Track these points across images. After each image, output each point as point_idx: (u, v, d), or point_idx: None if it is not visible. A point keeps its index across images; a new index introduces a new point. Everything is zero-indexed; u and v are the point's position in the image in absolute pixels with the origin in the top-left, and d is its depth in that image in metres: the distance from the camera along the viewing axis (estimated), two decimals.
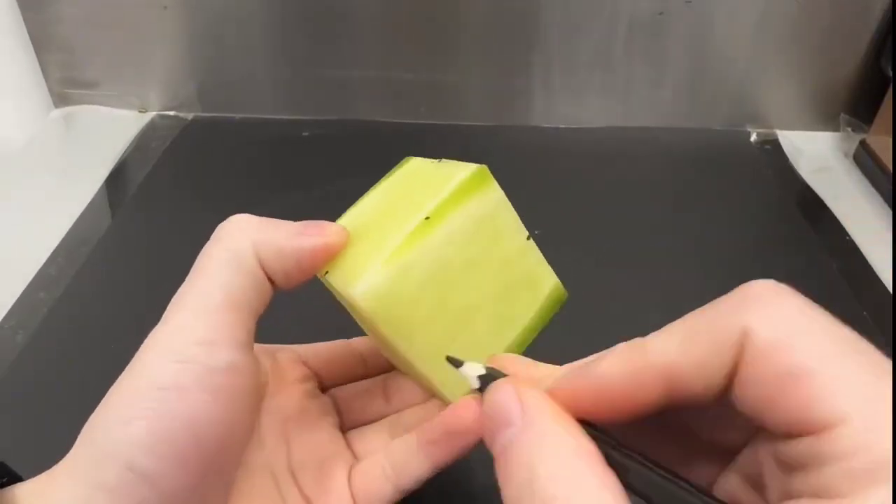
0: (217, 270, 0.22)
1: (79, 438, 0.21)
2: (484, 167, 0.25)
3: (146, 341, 0.22)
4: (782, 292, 0.17)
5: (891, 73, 0.54)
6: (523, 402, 0.18)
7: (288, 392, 0.27)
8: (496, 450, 0.18)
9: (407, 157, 0.29)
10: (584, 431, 0.17)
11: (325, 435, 0.27)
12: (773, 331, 0.16)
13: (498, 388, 0.19)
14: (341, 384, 0.29)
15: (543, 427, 0.17)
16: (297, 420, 0.26)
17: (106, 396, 0.21)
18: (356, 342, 0.29)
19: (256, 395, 0.23)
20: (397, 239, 0.23)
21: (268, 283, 0.23)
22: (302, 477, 0.26)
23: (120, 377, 0.21)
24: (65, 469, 0.20)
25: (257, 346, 0.24)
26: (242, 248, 0.23)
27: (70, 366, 0.37)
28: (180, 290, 0.23)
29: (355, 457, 0.27)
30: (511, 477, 0.17)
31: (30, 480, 0.21)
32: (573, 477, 0.16)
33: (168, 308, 0.22)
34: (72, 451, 0.21)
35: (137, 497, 0.20)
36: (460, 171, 0.24)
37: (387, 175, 0.29)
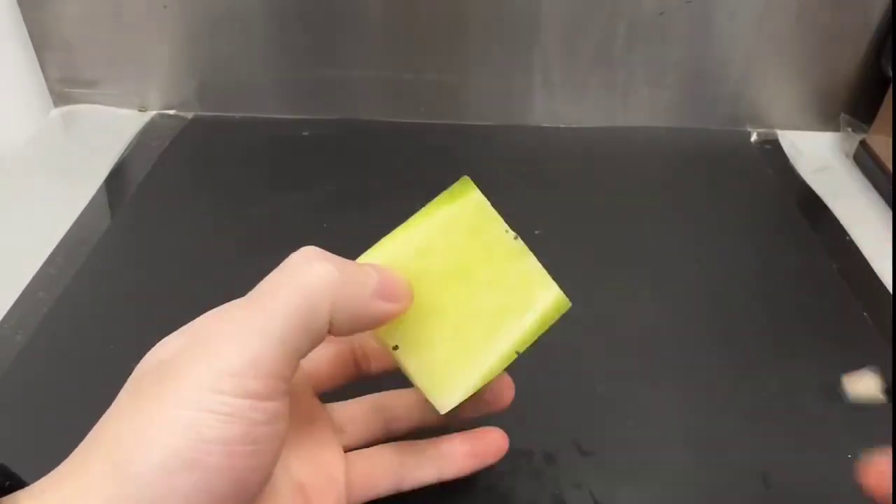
0: (283, 317, 0.21)
1: (94, 451, 0.19)
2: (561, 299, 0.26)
3: (188, 355, 0.20)
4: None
5: (891, 73, 0.54)
6: None
7: None
8: None
9: (464, 180, 0.28)
10: None
11: (305, 410, 0.27)
12: None
13: None
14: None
15: None
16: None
17: (136, 413, 0.19)
18: None
19: (284, 437, 0.22)
20: (488, 362, 0.24)
21: (325, 334, 0.22)
22: (292, 463, 0.25)
23: (155, 395, 0.19)
24: (76, 483, 0.19)
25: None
26: (319, 307, 0.21)
27: (70, 366, 0.37)
28: (232, 310, 0.21)
29: (338, 427, 0.28)
30: None
31: (34, 486, 0.19)
32: None
33: (211, 320, 0.21)
34: (83, 461, 0.19)
35: None
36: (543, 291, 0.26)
37: (442, 200, 0.27)
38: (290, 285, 0.21)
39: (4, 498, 0.19)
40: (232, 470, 0.19)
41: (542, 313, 0.25)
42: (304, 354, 0.22)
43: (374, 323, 0.23)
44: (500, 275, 0.26)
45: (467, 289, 0.25)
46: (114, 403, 0.21)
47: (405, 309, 0.24)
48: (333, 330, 0.22)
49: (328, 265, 0.22)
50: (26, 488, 0.19)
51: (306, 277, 0.21)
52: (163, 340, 0.22)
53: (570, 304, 0.26)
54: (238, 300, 0.22)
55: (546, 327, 0.26)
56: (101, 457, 0.19)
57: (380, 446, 0.28)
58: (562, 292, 0.26)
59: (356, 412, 0.29)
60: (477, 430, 0.28)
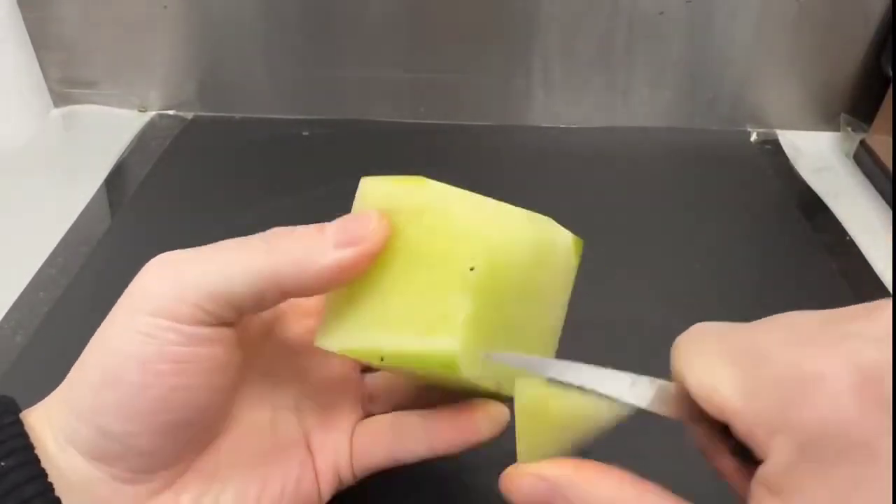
0: (231, 262, 0.22)
1: (72, 371, 0.22)
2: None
3: (149, 274, 0.22)
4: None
5: (891, 73, 0.54)
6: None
7: (304, 322, 0.27)
8: None
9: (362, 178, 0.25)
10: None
11: (337, 371, 0.27)
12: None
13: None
14: None
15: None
16: (311, 353, 0.26)
17: (91, 342, 0.22)
18: None
19: (234, 363, 0.23)
20: (360, 344, 0.22)
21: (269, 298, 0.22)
22: (306, 416, 0.26)
23: (102, 325, 0.22)
24: (59, 400, 0.22)
25: None
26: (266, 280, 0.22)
27: (70, 366, 0.36)
28: (216, 245, 0.23)
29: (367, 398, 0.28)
30: None
31: (32, 409, 0.22)
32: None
33: (194, 249, 0.23)
34: (66, 383, 0.22)
35: (112, 452, 0.21)
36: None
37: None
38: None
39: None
40: (150, 388, 0.21)
41: (424, 353, 0.22)
42: (245, 306, 0.22)
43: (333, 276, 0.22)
44: (433, 281, 0.22)
45: (405, 274, 0.22)
46: None
47: (372, 252, 0.22)
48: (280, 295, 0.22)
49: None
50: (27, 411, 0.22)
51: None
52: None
53: (458, 369, 0.21)
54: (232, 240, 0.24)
55: (426, 368, 0.22)
56: (66, 379, 0.22)
57: (378, 416, 0.27)
58: (458, 351, 0.21)
59: (396, 383, 0.28)
60: (470, 403, 0.26)
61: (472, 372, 0.22)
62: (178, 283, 0.21)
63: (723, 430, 0.19)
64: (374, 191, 0.24)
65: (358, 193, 0.24)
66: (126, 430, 0.21)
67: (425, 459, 0.26)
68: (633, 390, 0.19)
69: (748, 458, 0.19)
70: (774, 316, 0.19)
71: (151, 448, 0.21)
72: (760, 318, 0.19)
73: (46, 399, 0.22)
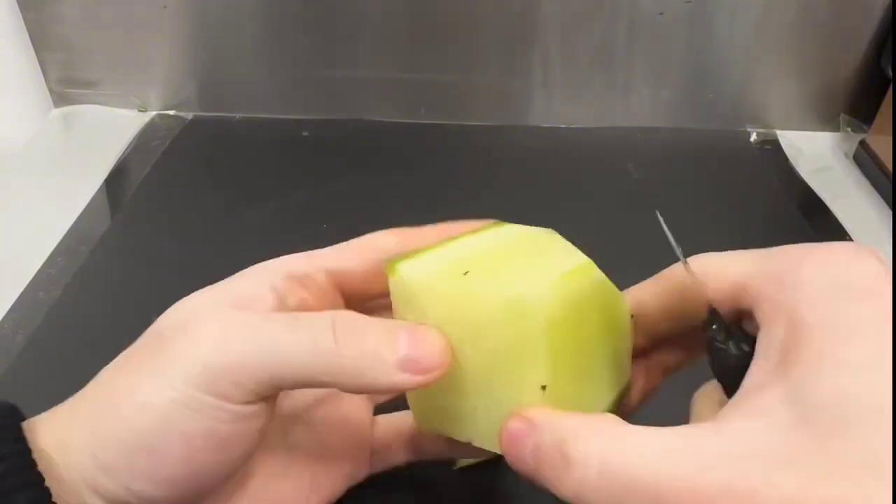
0: (279, 345, 0.20)
1: (85, 406, 0.21)
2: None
3: (183, 333, 0.21)
4: None
5: (891, 73, 0.54)
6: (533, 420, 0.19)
7: None
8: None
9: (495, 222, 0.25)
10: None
11: (350, 418, 0.27)
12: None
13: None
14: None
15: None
16: (326, 401, 0.26)
17: (120, 384, 0.21)
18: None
19: (264, 433, 0.22)
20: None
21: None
22: (312, 463, 0.26)
23: (142, 368, 0.21)
24: (68, 429, 0.21)
25: (285, 273, 0.23)
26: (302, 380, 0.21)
27: (70, 366, 0.36)
28: (243, 294, 0.22)
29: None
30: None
31: (47, 420, 0.21)
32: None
33: (219, 298, 0.22)
34: (89, 430, 0.20)
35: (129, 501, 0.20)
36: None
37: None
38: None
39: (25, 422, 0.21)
40: (191, 461, 0.20)
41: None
42: (294, 388, 0.21)
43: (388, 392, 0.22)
44: (509, 390, 0.21)
45: (477, 378, 0.22)
46: (125, 353, 0.22)
47: (436, 379, 0.21)
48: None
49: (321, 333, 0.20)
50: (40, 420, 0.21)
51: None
52: (186, 298, 0.22)
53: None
54: (263, 280, 0.23)
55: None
56: (88, 412, 0.21)
57: (404, 412, 0.27)
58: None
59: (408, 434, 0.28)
60: None
61: None
62: (236, 362, 0.20)
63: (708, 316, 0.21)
64: (426, 289, 0.22)
65: (403, 284, 0.22)
66: (153, 493, 0.20)
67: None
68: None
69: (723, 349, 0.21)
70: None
71: None
72: None
73: (61, 421, 0.21)
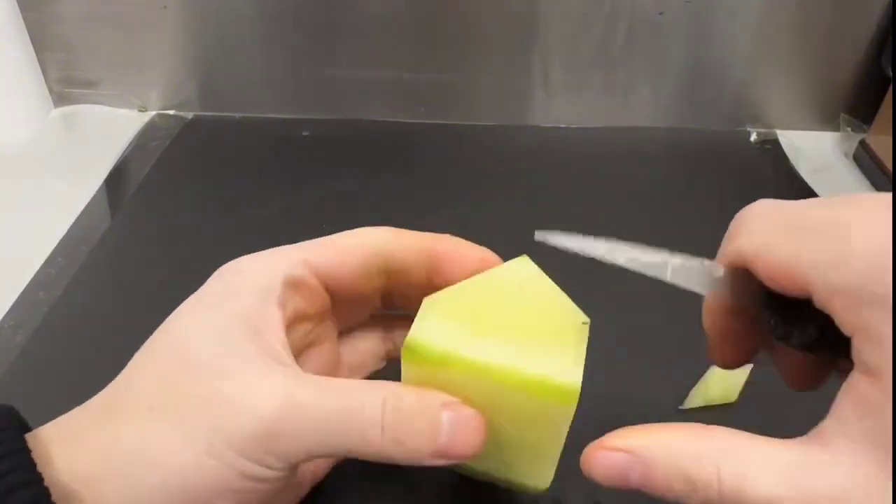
0: (313, 422, 0.20)
1: (123, 438, 0.20)
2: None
3: (210, 393, 0.20)
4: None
5: (891, 73, 0.54)
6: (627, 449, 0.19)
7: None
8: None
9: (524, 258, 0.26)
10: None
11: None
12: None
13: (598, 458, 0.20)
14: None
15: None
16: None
17: (152, 424, 0.20)
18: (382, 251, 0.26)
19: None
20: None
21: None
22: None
23: (169, 415, 0.20)
24: (102, 482, 0.20)
25: (282, 281, 0.24)
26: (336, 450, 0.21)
27: (70, 366, 0.37)
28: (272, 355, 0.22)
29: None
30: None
31: (64, 443, 0.21)
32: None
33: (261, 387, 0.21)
34: (108, 466, 0.20)
35: None
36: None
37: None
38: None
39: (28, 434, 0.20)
40: None
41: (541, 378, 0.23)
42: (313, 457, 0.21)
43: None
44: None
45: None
46: (140, 383, 0.21)
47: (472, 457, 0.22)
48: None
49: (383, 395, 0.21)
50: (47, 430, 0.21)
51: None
52: (182, 317, 0.22)
53: (575, 399, 0.22)
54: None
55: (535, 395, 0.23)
56: (120, 459, 0.20)
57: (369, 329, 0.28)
58: (578, 383, 0.22)
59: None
60: None
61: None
62: (285, 442, 0.20)
63: (766, 312, 0.20)
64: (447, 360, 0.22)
65: (421, 352, 0.22)
66: None
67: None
68: (682, 270, 0.21)
69: (790, 343, 0.20)
70: (839, 197, 0.19)
71: None
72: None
73: (84, 456, 0.21)
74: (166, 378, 0.21)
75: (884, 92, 0.55)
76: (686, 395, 0.35)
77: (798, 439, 0.18)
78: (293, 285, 0.24)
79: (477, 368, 0.22)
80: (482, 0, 0.55)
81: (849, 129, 0.59)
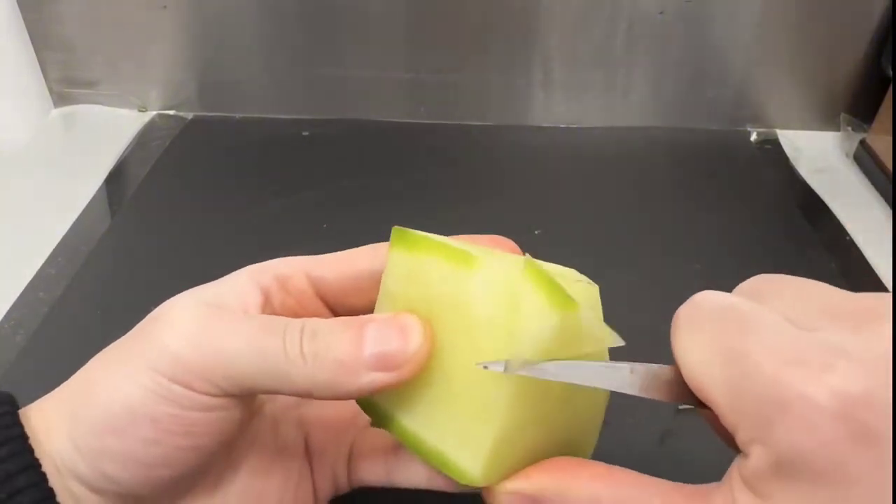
0: (243, 351, 0.20)
1: (67, 390, 0.22)
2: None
3: (160, 325, 0.21)
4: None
5: (891, 73, 0.54)
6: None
7: None
8: None
9: (398, 230, 0.22)
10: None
11: None
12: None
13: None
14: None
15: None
16: None
17: (98, 370, 0.21)
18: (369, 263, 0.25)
19: (244, 418, 0.22)
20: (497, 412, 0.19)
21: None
22: (307, 420, 0.26)
23: (120, 356, 0.21)
24: (47, 415, 0.21)
25: (273, 274, 0.24)
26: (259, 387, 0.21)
27: (70, 366, 0.36)
28: (224, 298, 0.22)
29: None
30: None
31: (36, 408, 0.22)
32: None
33: (199, 299, 0.22)
34: (69, 412, 0.21)
35: (111, 491, 0.21)
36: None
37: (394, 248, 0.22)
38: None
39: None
40: (159, 443, 0.20)
41: (449, 462, 0.21)
42: (265, 393, 0.21)
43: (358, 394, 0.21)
44: (471, 384, 0.20)
45: (445, 367, 0.20)
46: (112, 345, 0.22)
47: (411, 375, 0.20)
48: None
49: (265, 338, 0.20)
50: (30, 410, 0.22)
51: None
52: (177, 297, 0.22)
53: (475, 485, 0.20)
54: (244, 285, 0.23)
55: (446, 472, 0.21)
56: (68, 398, 0.21)
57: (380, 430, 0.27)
58: (479, 478, 0.20)
59: None
60: None
61: (489, 482, 0.20)
62: (204, 358, 0.20)
63: None
64: (408, 269, 0.21)
65: (389, 256, 0.22)
66: (126, 477, 0.21)
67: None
68: (633, 378, 0.20)
69: None
70: (776, 286, 0.20)
71: (151, 494, 0.21)
72: None
73: (47, 409, 0.22)
74: (130, 333, 0.22)
75: (884, 92, 0.55)
76: None
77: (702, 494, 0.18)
78: (281, 281, 0.24)
79: (451, 253, 0.20)
80: (482, 0, 0.55)
81: (849, 129, 0.59)
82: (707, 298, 0.20)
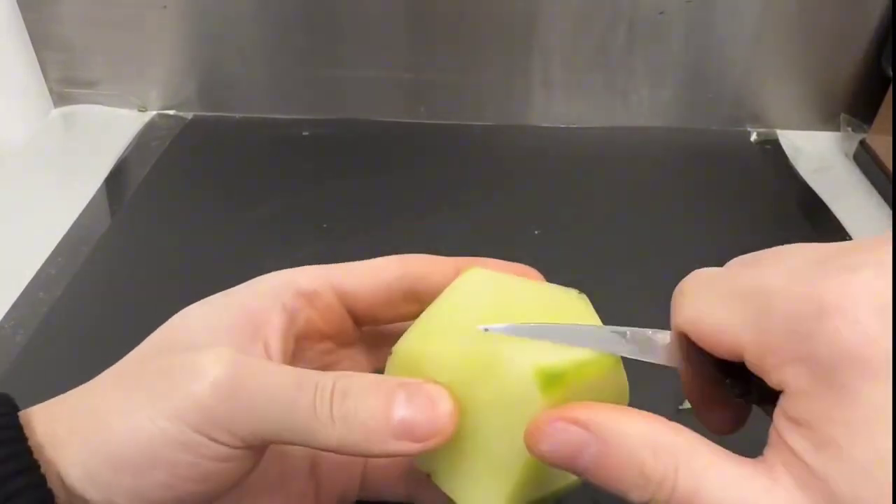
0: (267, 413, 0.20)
1: (80, 411, 0.21)
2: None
3: (181, 358, 0.20)
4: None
5: (891, 73, 0.54)
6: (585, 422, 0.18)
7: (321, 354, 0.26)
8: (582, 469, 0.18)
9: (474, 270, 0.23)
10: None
11: None
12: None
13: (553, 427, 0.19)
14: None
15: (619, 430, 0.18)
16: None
17: (117, 396, 0.21)
18: (403, 272, 0.25)
19: (252, 468, 0.22)
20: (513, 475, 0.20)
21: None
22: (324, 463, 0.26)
23: (137, 386, 0.21)
24: (75, 454, 0.20)
25: (295, 290, 0.23)
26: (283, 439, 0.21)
27: (70, 366, 0.36)
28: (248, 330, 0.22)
29: None
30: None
31: (42, 413, 0.21)
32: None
33: (222, 325, 0.21)
34: (81, 434, 0.20)
35: None
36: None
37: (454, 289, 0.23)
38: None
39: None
40: (173, 488, 0.20)
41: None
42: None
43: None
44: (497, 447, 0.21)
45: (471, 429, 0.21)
46: (128, 361, 0.22)
47: (441, 445, 0.20)
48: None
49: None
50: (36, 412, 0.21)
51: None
52: (195, 309, 0.22)
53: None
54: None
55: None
56: (81, 419, 0.21)
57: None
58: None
59: None
60: None
61: None
62: (232, 412, 0.20)
63: (720, 375, 0.20)
64: (436, 352, 0.21)
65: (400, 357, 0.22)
66: None
67: None
68: (630, 343, 0.21)
69: (750, 400, 0.20)
70: (771, 251, 0.20)
71: None
72: None
73: (54, 420, 0.21)
74: (144, 355, 0.22)
75: (884, 92, 0.54)
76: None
77: (751, 460, 0.17)
78: (307, 297, 0.24)
79: (451, 353, 0.21)
80: (482, 0, 0.55)
81: (849, 129, 0.59)
82: (706, 269, 0.20)
